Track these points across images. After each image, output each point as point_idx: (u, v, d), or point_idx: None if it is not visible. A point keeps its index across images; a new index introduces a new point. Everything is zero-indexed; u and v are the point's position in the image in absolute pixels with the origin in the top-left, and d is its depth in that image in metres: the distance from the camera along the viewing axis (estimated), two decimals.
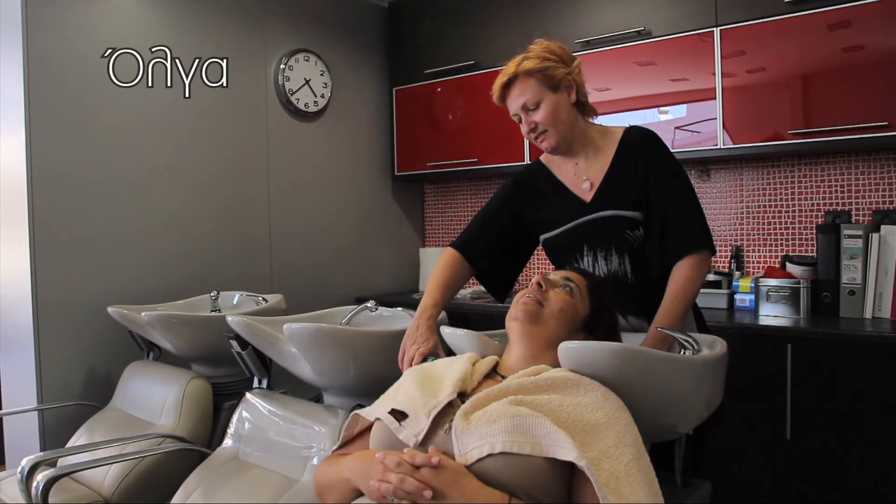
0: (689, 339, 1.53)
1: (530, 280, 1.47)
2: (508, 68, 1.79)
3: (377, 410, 1.30)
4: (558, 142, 1.81)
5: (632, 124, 1.89)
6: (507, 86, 1.80)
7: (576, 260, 1.84)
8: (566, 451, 1.06)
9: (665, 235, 1.73)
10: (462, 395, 1.26)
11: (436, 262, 3.92)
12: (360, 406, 1.89)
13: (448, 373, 1.34)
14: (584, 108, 1.85)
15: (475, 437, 1.12)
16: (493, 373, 1.40)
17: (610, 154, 1.83)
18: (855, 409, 2.28)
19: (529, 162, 3.29)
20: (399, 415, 1.25)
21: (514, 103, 1.80)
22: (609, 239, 1.79)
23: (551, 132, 1.79)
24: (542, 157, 1.98)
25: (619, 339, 1.53)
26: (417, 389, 1.29)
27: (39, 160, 2.64)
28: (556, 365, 1.34)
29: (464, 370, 1.33)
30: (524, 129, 1.84)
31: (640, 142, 1.81)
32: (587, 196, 1.83)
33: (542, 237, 1.93)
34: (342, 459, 1.31)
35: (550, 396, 1.19)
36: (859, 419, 2.27)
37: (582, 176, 1.85)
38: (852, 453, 2.28)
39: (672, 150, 1.85)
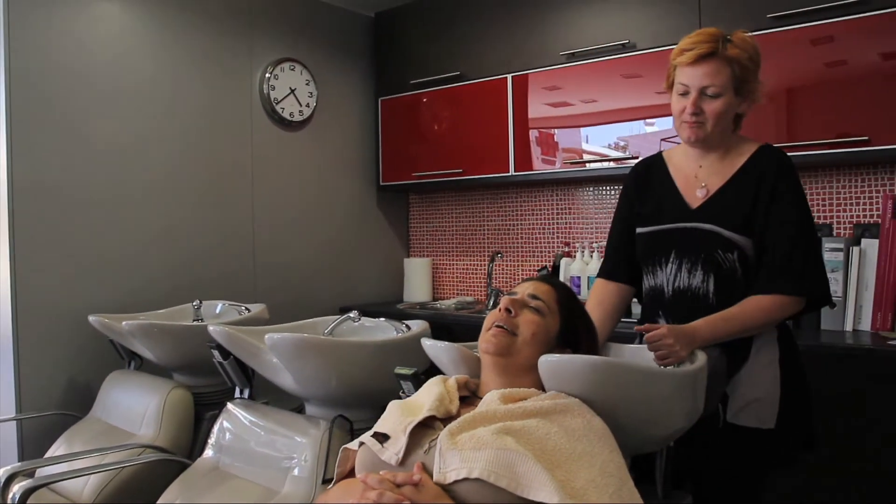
0: None
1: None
2: (705, 39, 1.66)
3: (362, 437, 1.31)
4: (705, 138, 1.72)
5: (767, 143, 1.78)
6: (704, 56, 1.66)
7: (659, 265, 1.78)
8: (546, 494, 1.06)
9: (763, 265, 1.67)
10: (445, 420, 1.26)
11: (420, 273, 3.97)
12: (343, 417, 1.89)
13: (427, 398, 1.33)
14: (738, 118, 1.78)
15: (457, 459, 1.12)
16: (474, 396, 1.39)
17: (735, 167, 1.74)
18: (836, 422, 2.28)
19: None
20: (382, 437, 1.26)
21: (698, 79, 1.67)
22: (698, 253, 1.72)
23: (707, 127, 1.69)
24: (665, 153, 1.91)
25: (596, 347, 1.53)
26: (399, 415, 1.30)
27: (20, 168, 2.61)
28: (537, 386, 1.34)
29: (439, 391, 1.33)
30: (681, 105, 1.71)
31: (769, 165, 1.71)
32: (695, 202, 1.76)
33: (638, 230, 1.85)
34: (330, 491, 1.33)
35: (538, 423, 1.18)
36: (841, 431, 2.28)
37: (701, 182, 1.77)
38: (835, 465, 2.29)
39: None
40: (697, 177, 1.79)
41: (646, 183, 1.88)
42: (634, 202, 1.89)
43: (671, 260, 1.76)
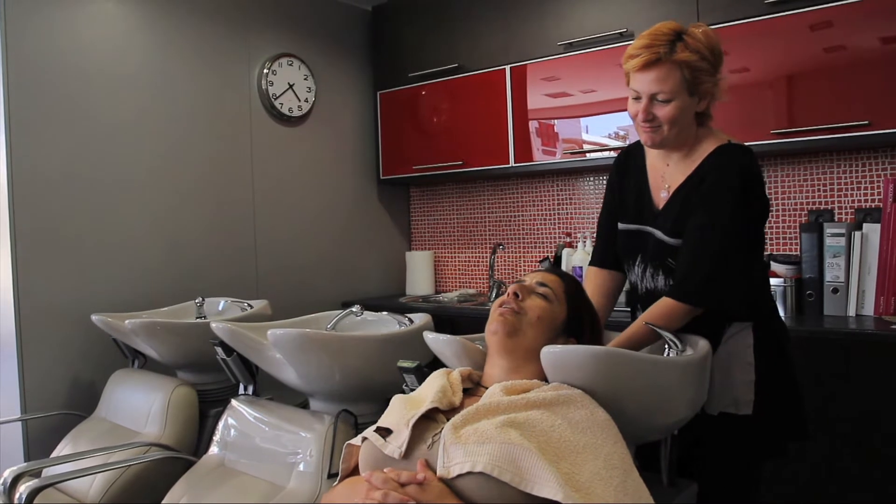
0: (675, 340, 1.54)
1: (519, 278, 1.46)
2: (651, 43, 1.59)
3: (365, 432, 1.31)
4: (662, 142, 1.68)
5: (728, 141, 1.70)
6: (650, 63, 1.59)
7: (629, 265, 1.79)
8: (550, 490, 1.05)
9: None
10: (448, 412, 1.26)
11: (422, 266, 3.96)
12: (347, 412, 1.89)
13: (430, 391, 1.33)
14: (703, 115, 1.72)
15: (461, 453, 1.11)
16: (477, 386, 1.39)
17: (693, 166, 1.69)
18: (840, 407, 2.29)
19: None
20: (385, 432, 1.26)
21: (647, 86, 1.61)
22: (656, 260, 1.72)
23: (663, 131, 1.64)
24: None
25: (600, 339, 1.53)
26: (402, 409, 1.30)
27: (20, 166, 2.61)
28: (540, 375, 1.34)
29: (442, 383, 1.33)
30: (635, 109, 1.66)
31: (715, 166, 1.65)
32: (660, 203, 1.73)
33: (618, 225, 1.84)
34: (334, 490, 1.32)
35: (542, 415, 1.18)
36: (844, 416, 2.28)
37: (666, 182, 1.73)
38: (838, 450, 2.29)
39: None
40: (664, 176, 1.75)
41: (625, 172, 1.86)
42: (616, 192, 1.88)
43: (638, 262, 1.77)
